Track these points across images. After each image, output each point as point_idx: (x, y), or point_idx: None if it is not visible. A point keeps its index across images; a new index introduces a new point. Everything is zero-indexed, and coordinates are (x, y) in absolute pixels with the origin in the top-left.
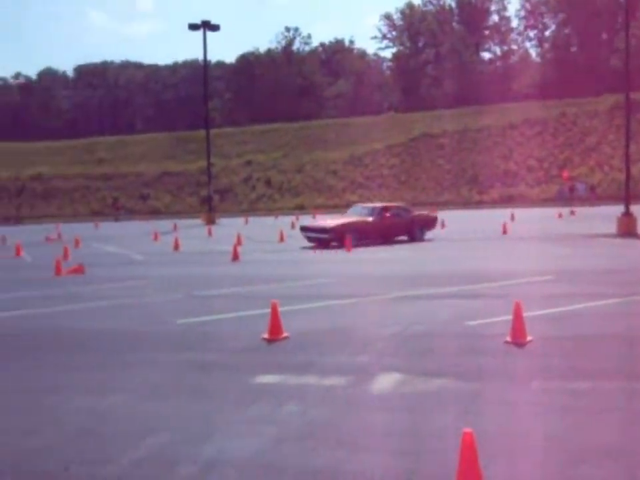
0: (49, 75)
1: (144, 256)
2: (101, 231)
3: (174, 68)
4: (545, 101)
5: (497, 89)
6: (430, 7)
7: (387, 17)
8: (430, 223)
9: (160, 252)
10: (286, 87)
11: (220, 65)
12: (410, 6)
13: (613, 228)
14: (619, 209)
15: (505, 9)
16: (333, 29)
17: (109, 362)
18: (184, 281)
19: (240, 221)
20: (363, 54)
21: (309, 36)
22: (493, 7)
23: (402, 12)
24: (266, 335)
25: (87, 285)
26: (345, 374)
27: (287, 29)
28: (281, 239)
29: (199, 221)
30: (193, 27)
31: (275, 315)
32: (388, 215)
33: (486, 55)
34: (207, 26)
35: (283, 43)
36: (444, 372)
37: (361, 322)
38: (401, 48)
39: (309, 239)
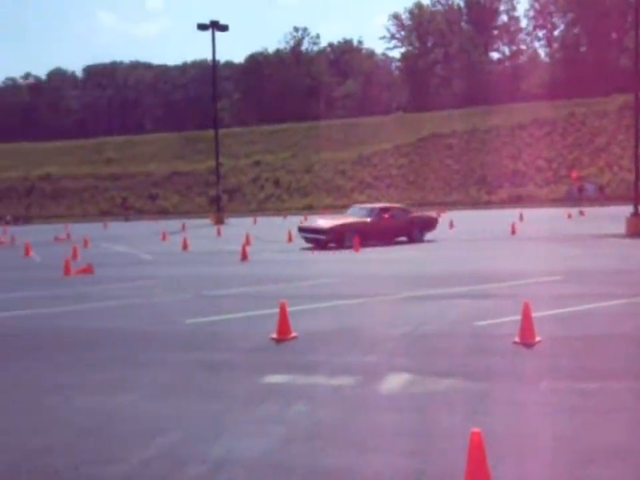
0: (58, 75)
1: (153, 256)
2: (110, 230)
3: (183, 68)
4: (554, 101)
5: (505, 88)
6: (439, 7)
7: (396, 16)
8: (430, 224)
9: (169, 252)
10: (294, 87)
11: (229, 65)
12: (419, 6)
13: (622, 228)
14: (628, 209)
15: (513, 8)
16: (341, 29)
17: (117, 362)
18: (193, 281)
19: (248, 220)
20: (371, 54)
21: (318, 36)
22: (502, 7)
23: (411, 12)
24: (274, 335)
25: (95, 285)
26: (353, 374)
27: (296, 29)
28: (290, 239)
29: (207, 221)
30: (202, 27)
31: (283, 314)
32: (386, 215)
33: (495, 55)
34: (216, 26)
35: (292, 43)
36: (453, 372)
37: (370, 322)
38: (410, 48)
39: (307, 240)
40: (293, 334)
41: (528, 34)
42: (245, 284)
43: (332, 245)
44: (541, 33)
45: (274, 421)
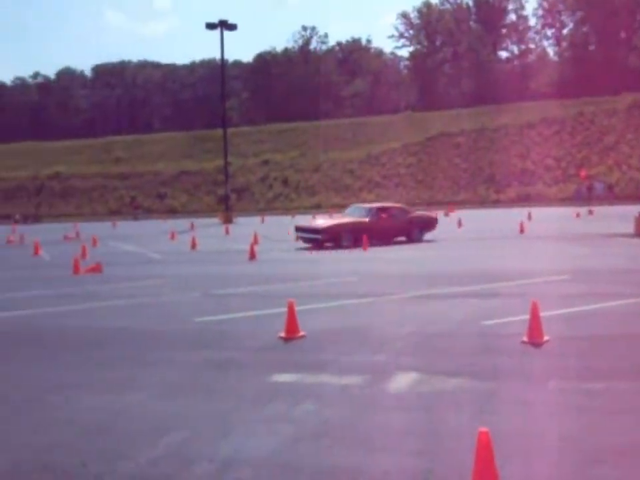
0: (67, 75)
1: (161, 255)
2: (119, 229)
3: (191, 67)
4: (563, 100)
5: (514, 87)
6: (447, 6)
7: (404, 15)
8: (429, 224)
9: (177, 251)
10: (303, 86)
11: (237, 64)
12: (427, 5)
13: (630, 227)
14: (637, 208)
15: (522, 7)
16: (349, 28)
17: (126, 360)
18: (201, 280)
19: (257, 220)
20: (380, 53)
21: (326, 35)
22: (511, 6)
23: (419, 11)
24: (283, 334)
25: (104, 284)
26: (361, 373)
27: (304, 28)
28: (298, 238)
29: (216, 220)
30: (210, 26)
31: (291, 313)
32: (384, 215)
33: (503, 54)
34: (224, 25)
35: (300, 42)
36: (460, 371)
37: (378, 321)
38: (418, 47)
39: (304, 240)
40: (301, 333)
41: (536, 33)
42: (253, 283)
43: (328, 244)
44: (549, 32)
45: (282, 419)
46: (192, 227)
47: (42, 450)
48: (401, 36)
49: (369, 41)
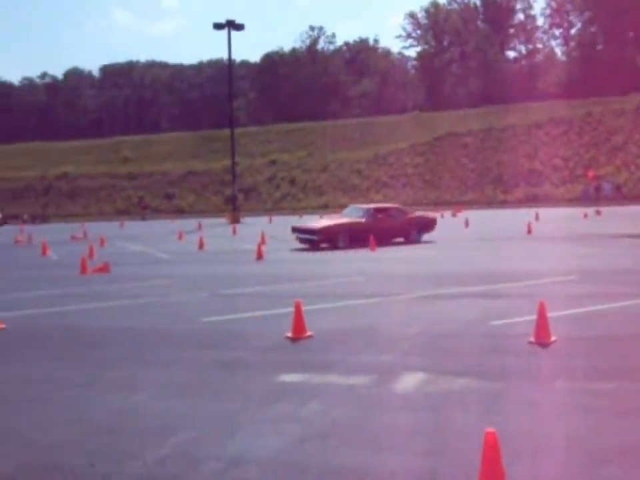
0: (75, 75)
1: (169, 255)
2: (126, 230)
3: (199, 67)
4: (571, 100)
5: (522, 87)
6: (455, 6)
7: (412, 15)
8: (428, 225)
9: (185, 251)
10: (310, 86)
11: (244, 64)
12: (435, 4)
13: (638, 228)
14: None
15: (530, 7)
16: (357, 28)
17: (133, 360)
18: (209, 280)
19: (264, 220)
20: (387, 53)
21: (334, 35)
22: (518, 5)
23: (426, 10)
24: (290, 334)
25: (112, 284)
26: (368, 373)
27: (312, 28)
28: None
29: (223, 220)
30: (218, 26)
31: (298, 313)
32: (381, 216)
33: (511, 54)
34: (232, 25)
35: (308, 42)
36: (467, 371)
37: (385, 321)
38: (426, 47)
39: (300, 240)
40: (308, 333)
41: (544, 32)
42: (260, 283)
43: (324, 245)
44: (557, 32)
45: (289, 419)
46: (199, 227)
47: (50, 449)
48: (409, 36)
49: (376, 41)
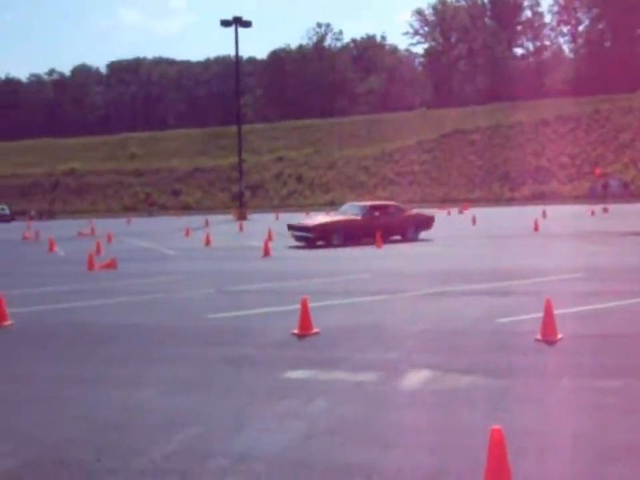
0: (82, 72)
1: (176, 251)
2: (133, 226)
3: (206, 64)
4: (578, 97)
5: (529, 84)
6: (462, 3)
7: (419, 12)
8: (425, 223)
9: (192, 247)
10: (317, 83)
11: (251, 61)
12: (442, 1)
13: None
14: None
15: (537, 4)
16: (364, 25)
17: (139, 356)
18: (215, 277)
19: (271, 216)
20: (394, 50)
21: (341, 32)
22: (526, 3)
23: (434, 7)
24: (296, 331)
25: (118, 280)
26: (374, 370)
27: (319, 25)
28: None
29: (230, 217)
30: (225, 23)
31: (305, 310)
32: (377, 213)
33: (518, 51)
34: (239, 22)
35: (315, 39)
36: (474, 369)
37: (391, 318)
38: (433, 44)
39: (295, 238)
40: (315, 330)
41: (552, 29)
42: (267, 280)
43: (320, 242)
44: (565, 29)
45: (295, 416)
46: (206, 223)
47: (56, 445)
48: (416, 33)
49: (383, 38)
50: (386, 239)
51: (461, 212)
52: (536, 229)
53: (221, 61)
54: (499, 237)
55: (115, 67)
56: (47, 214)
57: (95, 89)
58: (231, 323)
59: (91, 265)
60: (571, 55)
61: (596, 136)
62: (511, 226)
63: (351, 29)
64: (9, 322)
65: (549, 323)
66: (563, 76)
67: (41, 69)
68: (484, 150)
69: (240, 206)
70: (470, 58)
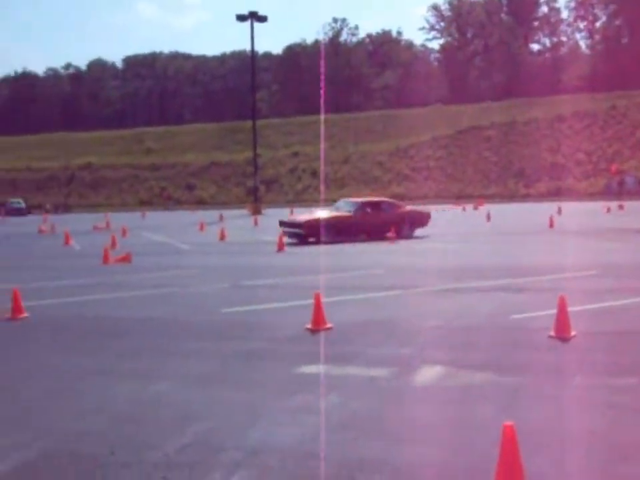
0: (98, 66)
1: (190, 246)
2: (148, 220)
3: (222, 59)
4: (595, 94)
5: (545, 81)
6: None
7: (435, 7)
8: (420, 220)
9: (206, 242)
10: (333, 78)
11: (267, 56)
12: None
13: None
14: None
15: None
16: (380, 20)
17: (154, 350)
18: (229, 271)
19: (285, 211)
20: (410, 45)
21: (356, 27)
22: None
23: (450, 3)
24: (309, 326)
25: (133, 274)
26: (388, 365)
27: (334, 20)
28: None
29: (244, 212)
30: (241, 17)
31: (318, 305)
32: (370, 210)
33: (535, 47)
34: (255, 17)
35: (330, 34)
36: (487, 365)
37: (405, 314)
38: (449, 39)
39: (288, 235)
40: (328, 325)
41: (569, 25)
42: (281, 274)
43: (311, 239)
44: (582, 25)
45: (308, 410)
46: (221, 218)
47: (71, 438)
48: (432, 28)
49: (399, 33)
50: (379, 236)
51: (475, 208)
52: (551, 225)
53: (237, 56)
54: (513, 234)
55: (130, 61)
56: (63, 207)
57: (111, 84)
58: (245, 317)
59: (106, 259)
60: (588, 51)
61: (612, 132)
62: (526, 222)
63: (367, 24)
64: (25, 314)
65: (562, 320)
66: (580, 72)
67: (58, 63)
68: (499, 146)
69: (255, 201)
70: (486, 54)
